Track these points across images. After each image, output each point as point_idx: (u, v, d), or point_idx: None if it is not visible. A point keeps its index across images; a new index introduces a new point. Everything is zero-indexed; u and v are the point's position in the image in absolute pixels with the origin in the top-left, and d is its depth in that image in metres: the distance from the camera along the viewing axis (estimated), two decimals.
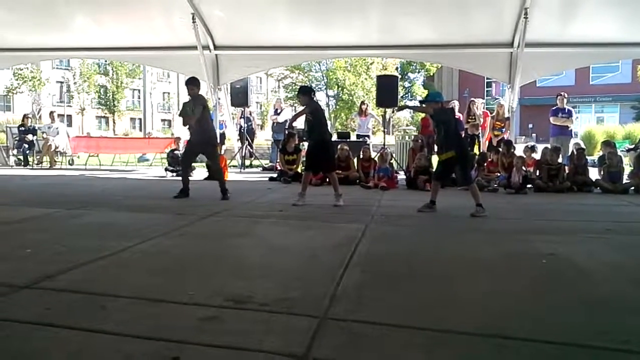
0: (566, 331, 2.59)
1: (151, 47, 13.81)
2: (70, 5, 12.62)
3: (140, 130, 43.62)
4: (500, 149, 10.49)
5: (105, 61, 43.22)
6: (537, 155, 10.66)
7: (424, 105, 7.51)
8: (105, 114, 52.72)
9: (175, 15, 12.66)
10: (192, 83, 7.97)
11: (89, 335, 2.49)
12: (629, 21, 11.43)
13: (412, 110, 11.43)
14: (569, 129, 12.73)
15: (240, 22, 12.91)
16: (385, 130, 15.16)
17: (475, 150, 12.26)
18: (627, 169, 10.58)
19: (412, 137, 13.54)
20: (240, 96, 14.41)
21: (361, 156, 10.96)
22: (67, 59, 44.13)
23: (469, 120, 12.79)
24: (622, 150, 13.39)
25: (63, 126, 15.97)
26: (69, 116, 48.85)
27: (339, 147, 10.94)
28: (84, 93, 48.06)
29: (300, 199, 7.28)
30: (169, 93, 61.92)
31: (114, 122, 52.44)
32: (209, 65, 13.67)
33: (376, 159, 10.89)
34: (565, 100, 12.74)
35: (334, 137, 15.04)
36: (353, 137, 14.50)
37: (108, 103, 50.07)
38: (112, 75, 48.51)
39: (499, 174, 9.91)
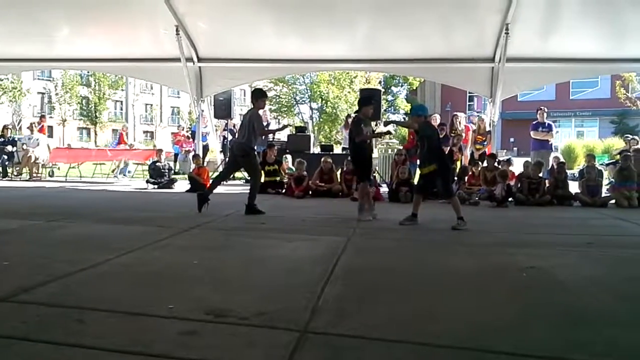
0: (546, 344, 2.61)
1: (134, 59, 13.75)
2: (53, 16, 12.52)
3: None
4: (485, 163, 10.57)
5: (88, 72, 42.87)
6: (513, 168, 10.76)
7: (408, 120, 7.58)
8: (87, 125, 52.30)
9: (159, 27, 12.62)
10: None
11: (66, 349, 2.45)
12: (607, 38, 11.65)
13: (395, 125, 11.46)
14: (550, 143, 12.89)
15: (225, 34, 12.93)
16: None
17: (458, 164, 12.35)
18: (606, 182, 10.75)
19: (395, 150, 13.60)
20: (223, 108, 14.38)
21: (344, 169, 10.98)
22: (48, 70, 43.81)
23: (452, 134, 12.90)
24: (602, 165, 13.59)
25: (43, 137, 15.78)
26: (50, 127, 48.34)
27: (322, 159, 10.97)
28: (66, 104, 47.69)
29: (368, 214, 7.22)
30: (151, 105, 61.58)
31: (95, 134, 52.02)
32: (192, 78, 13.64)
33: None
34: (545, 115, 12.92)
35: (318, 150, 15.11)
36: (337, 150, 14.54)
37: (90, 114, 49.71)
38: (95, 86, 48.23)
39: (480, 188, 9.98)
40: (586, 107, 44.47)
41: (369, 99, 8.50)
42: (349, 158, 11.80)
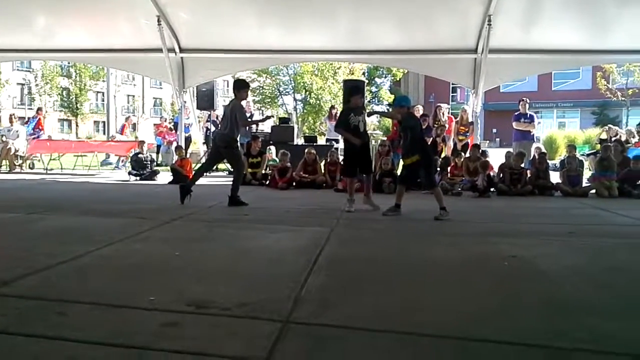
0: (526, 332, 2.63)
1: (115, 49, 13.58)
2: (32, 6, 12.33)
3: (104, 133, 42.88)
4: (468, 153, 10.63)
5: (68, 63, 42.30)
6: (489, 159, 10.81)
7: (391, 111, 7.57)
8: (68, 116, 51.62)
9: (140, 18, 12.48)
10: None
11: (46, 342, 2.43)
12: (589, 29, 11.76)
13: (379, 116, 11.49)
14: (531, 133, 13.00)
15: (207, 25, 12.82)
16: None
17: (441, 154, 12.40)
18: (588, 173, 10.87)
19: (379, 141, 13.63)
20: (206, 99, 14.30)
21: (328, 160, 10.97)
22: (28, 61, 43.11)
23: (435, 125, 12.94)
24: (582, 155, 13.74)
25: (23, 129, 15.56)
26: (30, 119, 47.67)
27: (306, 151, 10.95)
28: (46, 95, 46.99)
29: (350, 205, 7.19)
30: (133, 96, 60.95)
31: (77, 125, 51.39)
32: (174, 68, 13.51)
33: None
34: (527, 106, 13.01)
35: (301, 141, 15.09)
36: (320, 141, 14.53)
37: (71, 106, 49.05)
38: (75, 77, 47.52)
39: (463, 178, 10.04)
40: (568, 98, 44.88)
41: (358, 89, 8.43)
42: (334, 149, 11.87)
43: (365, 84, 16.10)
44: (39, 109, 17.53)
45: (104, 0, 11.95)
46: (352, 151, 7.32)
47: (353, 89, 8.24)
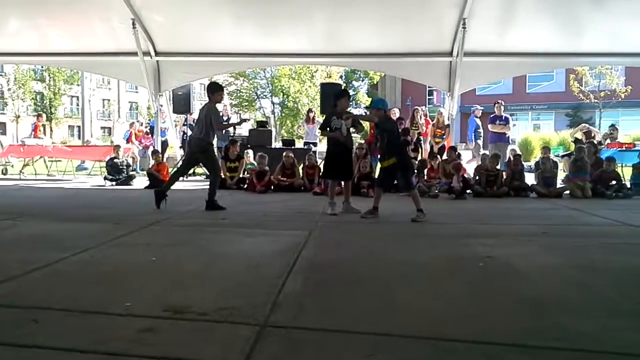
0: (502, 331, 2.66)
1: (90, 53, 13.44)
2: (3, 8, 12.13)
3: (79, 138, 42.32)
4: (445, 156, 10.72)
5: (42, 67, 41.71)
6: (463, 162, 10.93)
7: (368, 113, 7.59)
8: (42, 121, 50.82)
9: (114, 21, 12.36)
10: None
11: (20, 350, 2.40)
12: (562, 32, 11.96)
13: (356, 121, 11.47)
14: (507, 135, 13.18)
15: (182, 28, 12.74)
16: None
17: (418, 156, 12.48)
18: (562, 174, 11.03)
19: (356, 144, 13.68)
20: (182, 103, 14.20)
21: (306, 163, 10.98)
22: (0, 65, 42.39)
23: (413, 127, 13.03)
24: (557, 156, 13.94)
25: None
26: (3, 124, 46.94)
27: (284, 154, 10.95)
28: (19, 100, 46.24)
29: (332, 208, 7.16)
30: (109, 100, 60.29)
31: (51, 130, 50.63)
32: (150, 72, 13.41)
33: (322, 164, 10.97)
34: (502, 108, 13.20)
35: (279, 145, 15.07)
36: (298, 145, 14.53)
37: (45, 110, 48.32)
38: (49, 81, 46.85)
39: (439, 180, 10.12)
40: (542, 100, 45.45)
41: (344, 92, 8.35)
42: (311, 152, 11.87)
43: (343, 87, 16.09)
44: (39, 115, 17.14)
45: (78, 3, 11.80)
46: (333, 154, 7.29)
47: (340, 92, 8.15)
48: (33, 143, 14.49)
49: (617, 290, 3.46)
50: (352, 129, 7.37)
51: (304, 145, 14.55)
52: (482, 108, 14.76)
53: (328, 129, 7.27)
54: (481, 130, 14.26)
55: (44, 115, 18.82)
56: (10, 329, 2.64)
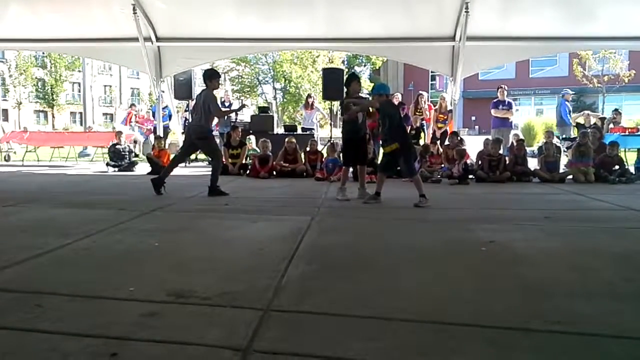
0: (504, 315, 2.68)
1: (91, 39, 13.34)
2: None
3: (81, 124, 42.29)
4: (447, 141, 10.68)
5: (43, 53, 41.56)
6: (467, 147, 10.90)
7: (370, 99, 7.57)
8: (44, 108, 50.73)
9: (115, 6, 12.27)
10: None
11: (23, 334, 2.41)
12: (565, 16, 11.83)
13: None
14: (509, 120, 13.13)
15: (184, 13, 12.65)
16: (332, 122, 15.23)
17: (421, 142, 12.45)
18: (565, 159, 11.00)
19: None
20: (184, 89, 14.11)
21: (308, 149, 10.97)
22: (1, 51, 42.27)
23: (417, 113, 12.97)
24: (561, 138, 13.89)
25: None
26: (5, 110, 46.84)
27: (286, 140, 10.93)
28: (21, 86, 46.14)
29: (342, 193, 7.23)
30: (110, 86, 60.09)
31: (53, 117, 50.60)
32: (151, 58, 13.33)
33: (324, 150, 10.96)
34: (505, 93, 13.13)
35: (281, 131, 15.04)
36: (300, 131, 14.47)
37: (46, 97, 48.25)
38: (50, 67, 46.71)
39: (442, 166, 10.10)
40: (545, 85, 45.23)
41: (354, 75, 8.38)
42: (314, 138, 11.85)
43: (345, 72, 15.97)
44: (132, 105, 17.16)
45: None
46: (351, 141, 7.39)
47: (349, 76, 8.23)
48: (128, 132, 14.59)
49: (619, 275, 3.47)
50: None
51: (303, 131, 14.50)
52: (573, 93, 14.65)
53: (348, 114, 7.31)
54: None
55: (137, 106, 18.79)
56: (13, 313, 2.66)
